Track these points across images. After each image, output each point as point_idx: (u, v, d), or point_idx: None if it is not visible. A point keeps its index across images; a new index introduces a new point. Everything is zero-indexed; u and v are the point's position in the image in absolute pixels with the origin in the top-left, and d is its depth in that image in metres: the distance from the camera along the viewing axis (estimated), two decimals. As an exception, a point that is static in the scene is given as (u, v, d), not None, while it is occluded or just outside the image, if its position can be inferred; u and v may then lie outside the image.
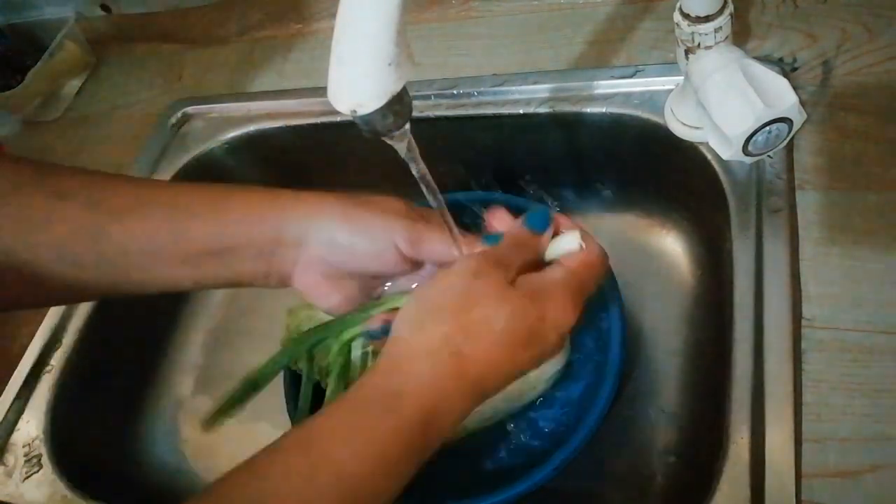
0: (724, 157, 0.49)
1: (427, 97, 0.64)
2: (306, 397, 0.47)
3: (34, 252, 0.33)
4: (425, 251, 0.38)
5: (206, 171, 0.73)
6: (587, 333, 0.53)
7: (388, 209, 0.38)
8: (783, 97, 0.45)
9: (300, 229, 0.37)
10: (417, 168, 0.38)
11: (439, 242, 0.37)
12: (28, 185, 0.34)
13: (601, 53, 0.62)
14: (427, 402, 0.31)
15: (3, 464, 0.56)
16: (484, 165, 0.69)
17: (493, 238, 0.39)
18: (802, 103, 0.46)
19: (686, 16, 0.46)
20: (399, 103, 0.33)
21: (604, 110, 0.59)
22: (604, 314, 0.49)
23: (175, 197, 0.36)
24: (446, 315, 0.33)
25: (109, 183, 0.36)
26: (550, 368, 0.49)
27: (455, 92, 0.63)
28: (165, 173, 0.71)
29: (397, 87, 0.32)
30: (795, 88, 0.46)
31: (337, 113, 0.32)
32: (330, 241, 0.36)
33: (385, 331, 0.37)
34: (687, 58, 0.49)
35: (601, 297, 0.48)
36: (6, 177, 0.34)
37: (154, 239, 0.35)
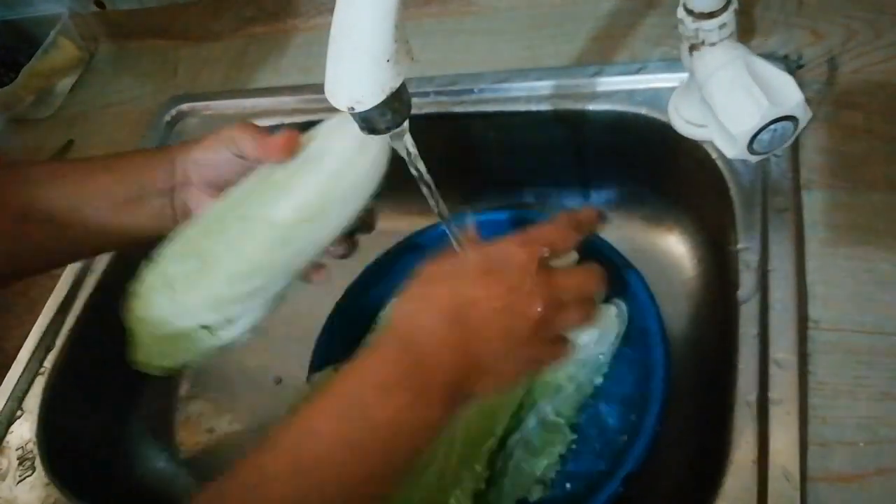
0: (729, 155, 0.49)
1: (426, 94, 0.63)
2: None
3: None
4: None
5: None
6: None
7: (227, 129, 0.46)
8: (788, 95, 0.45)
9: (183, 168, 0.47)
10: (416, 166, 0.37)
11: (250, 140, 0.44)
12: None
13: (604, 50, 0.61)
14: (415, 344, 0.35)
15: (-4, 467, 0.56)
16: (484, 163, 0.68)
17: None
18: (808, 101, 0.46)
19: (690, 12, 0.46)
20: (398, 100, 0.33)
21: (607, 108, 0.58)
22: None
23: (98, 170, 0.48)
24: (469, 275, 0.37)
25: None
26: None
27: (455, 89, 0.63)
28: (161, 171, 0.71)
29: (396, 84, 0.32)
30: (801, 86, 0.45)
31: (335, 110, 0.32)
32: (206, 164, 0.46)
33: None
34: (691, 55, 0.48)
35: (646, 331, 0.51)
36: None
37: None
